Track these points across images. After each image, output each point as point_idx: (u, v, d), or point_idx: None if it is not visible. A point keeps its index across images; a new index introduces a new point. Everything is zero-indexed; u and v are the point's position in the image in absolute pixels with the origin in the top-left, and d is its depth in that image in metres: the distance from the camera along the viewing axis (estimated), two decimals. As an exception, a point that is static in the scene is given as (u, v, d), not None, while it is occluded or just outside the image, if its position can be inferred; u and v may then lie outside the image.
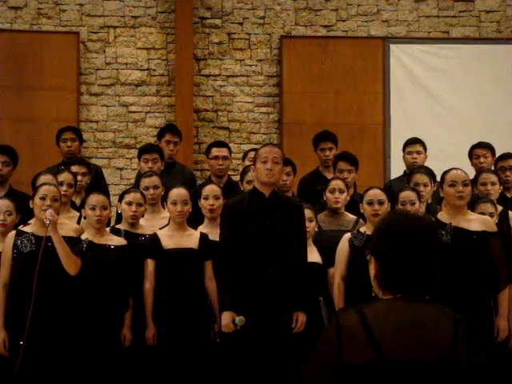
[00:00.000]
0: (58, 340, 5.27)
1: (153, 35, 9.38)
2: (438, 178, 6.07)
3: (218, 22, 9.49)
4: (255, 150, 7.41)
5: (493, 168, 6.89)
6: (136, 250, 5.59)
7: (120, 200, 5.88)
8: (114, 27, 9.36)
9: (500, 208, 6.12)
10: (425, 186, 6.25)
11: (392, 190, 6.39)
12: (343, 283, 5.53)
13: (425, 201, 6.22)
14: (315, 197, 6.55)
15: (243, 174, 6.48)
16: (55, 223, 5.24)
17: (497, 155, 7.09)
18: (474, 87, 9.43)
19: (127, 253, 5.52)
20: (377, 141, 9.41)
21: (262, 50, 9.51)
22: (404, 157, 7.22)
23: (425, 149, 7.17)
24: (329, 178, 6.70)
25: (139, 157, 6.98)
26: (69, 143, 7.30)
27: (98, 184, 6.96)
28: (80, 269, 5.33)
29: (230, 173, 7.38)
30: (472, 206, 5.83)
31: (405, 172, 7.17)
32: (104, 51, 9.35)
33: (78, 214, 6.08)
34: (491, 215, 5.77)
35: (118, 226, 5.87)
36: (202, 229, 5.80)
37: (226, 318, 5.12)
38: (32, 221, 5.49)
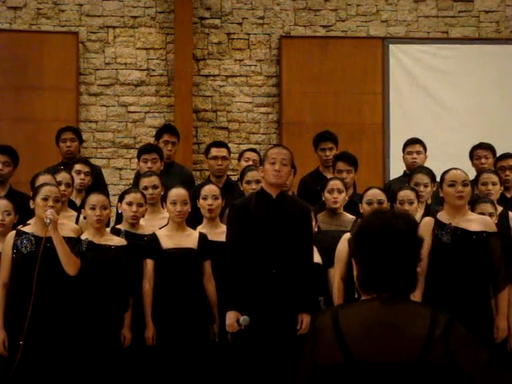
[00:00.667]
0: (58, 340, 5.25)
1: (152, 35, 9.37)
2: (438, 179, 6.06)
3: (217, 22, 9.48)
4: (251, 150, 7.45)
5: (493, 168, 6.89)
6: (135, 250, 5.58)
7: (120, 200, 5.87)
8: (114, 27, 9.35)
9: (500, 208, 6.11)
10: (425, 186, 6.25)
11: (392, 190, 6.38)
12: (343, 283, 5.54)
13: (424, 201, 6.21)
14: (315, 197, 6.54)
15: (243, 174, 6.47)
16: (56, 223, 5.24)
17: (497, 155, 7.09)
18: (473, 87, 9.42)
19: (127, 253, 5.51)
20: (376, 141, 9.41)
21: (262, 50, 9.50)
22: (404, 157, 7.21)
23: (425, 149, 7.17)
24: (329, 178, 6.68)
25: (138, 157, 6.98)
26: (68, 143, 7.30)
27: (98, 184, 6.95)
28: (79, 269, 5.32)
29: (229, 173, 7.37)
30: (472, 206, 5.83)
31: (404, 172, 7.17)
32: (103, 51, 9.34)
33: (75, 213, 6.07)
34: (491, 215, 5.76)
35: (118, 227, 5.86)
36: (200, 229, 5.79)
37: (231, 317, 5.12)
38: (32, 221, 5.49)
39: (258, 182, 6.23)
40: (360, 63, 9.39)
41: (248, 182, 6.30)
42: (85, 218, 5.64)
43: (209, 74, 9.45)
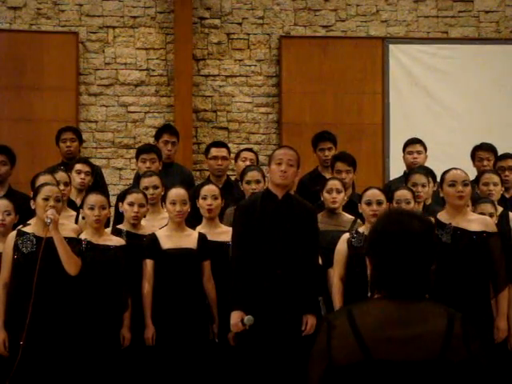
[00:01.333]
0: (57, 340, 5.25)
1: (152, 35, 9.36)
2: (438, 179, 6.06)
3: (217, 22, 9.47)
4: (247, 149, 7.45)
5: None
6: (135, 250, 5.57)
7: (121, 200, 5.87)
8: (113, 27, 9.34)
9: (500, 209, 6.11)
10: (423, 186, 6.22)
11: (391, 190, 6.37)
12: (342, 284, 5.54)
13: (422, 201, 6.19)
14: (314, 197, 6.53)
15: (243, 174, 6.46)
16: (56, 223, 5.23)
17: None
18: (472, 87, 9.42)
19: (126, 253, 5.51)
20: (376, 141, 9.40)
21: (261, 50, 9.50)
22: (404, 157, 7.20)
23: (425, 149, 7.16)
24: (328, 178, 6.68)
25: (137, 157, 6.98)
26: (68, 143, 7.29)
27: (98, 184, 6.94)
28: (80, 269, 5.31)
29: (228, 173, 7.36)
30: (472, 205, 5.82)
31: (405, 172, 7.15)
32: (103, 51, 9.33)
33: (75, 213, 6.07)
34: (491, 215, 5.76)
35: (119, 227, 5.85)
36: (200, 229, 5.78)
37: (235, 317, 5.12)
38: (32, 221, 5.48)
39: (258, 182, 6.24)
40: (360, 63, 9.39)
41: (248, 182, 6.29)
42: (83, 217, 5.64)
43: (209, 74, 9.45)
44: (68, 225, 5.60)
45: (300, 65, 9.37)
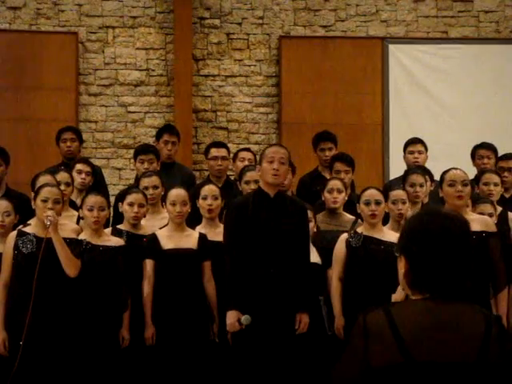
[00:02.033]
0: (57, 340, 5.25)
1: (152, 35, 9.38)
2: (436, 179, 6.07)
3: (216, 22, 9.49)
4: (245, 149, 7.45)
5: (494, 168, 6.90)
6: (135, 251, 5.58)
7: (121, 200, 5.87)
8: (113, 27, 9.36)
9: (499, 209, 6.12)
10: (421, 186, 6.21)
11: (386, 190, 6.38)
12: (341, 284, 5.56)
13: (420, 201, 6.20)
14: (315, 197, 6.55)
15: (241, 174, 6.47)
16: (56, 225, 5.23)
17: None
18: (472, 87, 9.44)
19: (126, 253, 5.51)
20: (376, 141, 9.42)
21: (261, 50, 9.52)
22: (405, 156, 7.20)
23: (426, 149, 7.16)
24: (328, 178, 6.69)
25: (135, 157, 6.97)
26: (68, 143, 7.29)
27: (98, 184, 6.94)
28: (80, 271, 5.32)
29: (228, 173, 7.37)
30: (472, 205, 5.83)
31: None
32: (103, 51, 9.35)
33: (76, 213, 6.06)
34: (490, 215, 5.77)
35: (119, 227, 5.85)
36: (200, 229, 5.79)
37: (232, 317, 5.12)
38: (32, 221, 5.48)
39: (256, 181, 6.23)
40: (359, 63, 9.41)
41: (247, 182, 6.31)
42: (82, 218, 5.63)
43: (208, 74, 9.46)
44: (68, 225, 5.60)
45: (300, 65, 9.39)
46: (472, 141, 7.38)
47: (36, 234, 5.34)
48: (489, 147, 7.14)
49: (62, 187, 6.00)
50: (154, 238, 5.62)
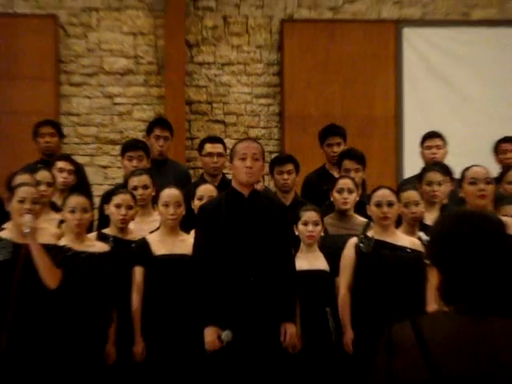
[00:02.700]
0: (37, 357, 5.26)
1: (140, 19, 9.41)
2: (456, 177, 6.10)
3: (212, 4, 9.53)
4: None
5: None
6: (123, 257, 5.60)
7: (107, 202, 5.89)
8: (97, 10, 9.39)
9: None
10: (439, 184, 6.20)
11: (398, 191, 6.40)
12: (349, 294, 5.55)
13: (440, 201, 6.21)
14: (321, 197, 6.57)
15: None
16: (35, 232, 5.21)
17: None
18: (496, 75, 9.47)
19: (112, 260, 5.51)
20: (388, 136, 9.45)
21: (261, 35, 9.55)
22: (422, 152, 7.22)
23: (445, 143, 7.18)
24: (336, 176, 6.71)
25: (122, 154, 6.97)
26: (47, 138, 7.32)
27: (81, 184, 6.97)
28: (60, 281, 5.30)
29: (224, 171, 7.39)
30: (495, 205, 5.86)
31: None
32: (86, 36, 9.38)
33: (57, 216, 6.07)
34: (516, 217, 5.80)
35: (105, 231, 5.87)
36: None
37: (210, 334, 5.12)
38: (8, 225, 5.49)
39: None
40: (371, 49, 9.44)
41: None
42: (63, 221, 5.64)
43: (203, 62, 9.50)
44: (48, 229, 5.60)
45: (304, 51, 9.43)
46: (495, 134, 7.43)
47: (13, 239, 5.33)
48: None
49: (43, 187, 6.01)
50: (143, 243, 5.65)
